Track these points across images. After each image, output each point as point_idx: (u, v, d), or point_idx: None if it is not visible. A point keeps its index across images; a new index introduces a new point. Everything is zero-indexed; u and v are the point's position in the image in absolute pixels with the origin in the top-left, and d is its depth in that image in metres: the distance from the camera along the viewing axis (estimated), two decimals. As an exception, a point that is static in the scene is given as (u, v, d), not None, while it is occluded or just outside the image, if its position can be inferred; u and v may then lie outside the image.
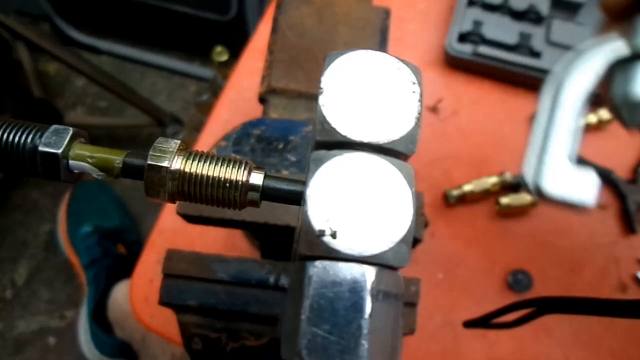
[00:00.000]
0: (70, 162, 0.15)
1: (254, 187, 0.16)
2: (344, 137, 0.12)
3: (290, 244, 0.41)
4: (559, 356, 0.55)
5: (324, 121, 0.12)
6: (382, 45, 0.48)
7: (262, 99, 0.47)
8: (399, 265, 0.11)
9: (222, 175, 0.16)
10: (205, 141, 0.65)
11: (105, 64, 1.62)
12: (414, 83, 0.13)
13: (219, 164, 0.16)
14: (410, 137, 0.12)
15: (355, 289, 0.11)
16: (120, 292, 1.05)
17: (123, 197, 1.39)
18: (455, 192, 0.60)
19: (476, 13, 0.68)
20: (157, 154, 0.15)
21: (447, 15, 0.72)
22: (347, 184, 0.11)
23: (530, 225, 0.61)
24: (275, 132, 0.40)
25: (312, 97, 0.46)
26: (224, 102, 0.67)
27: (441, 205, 0.62)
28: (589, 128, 0.64)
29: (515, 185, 0.61)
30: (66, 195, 1.28)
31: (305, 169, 0.39)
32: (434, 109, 0.67)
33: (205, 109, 1.23)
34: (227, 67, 1.28)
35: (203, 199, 0.16)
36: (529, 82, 0.66)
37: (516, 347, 0.55)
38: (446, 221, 0.61)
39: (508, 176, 0.61)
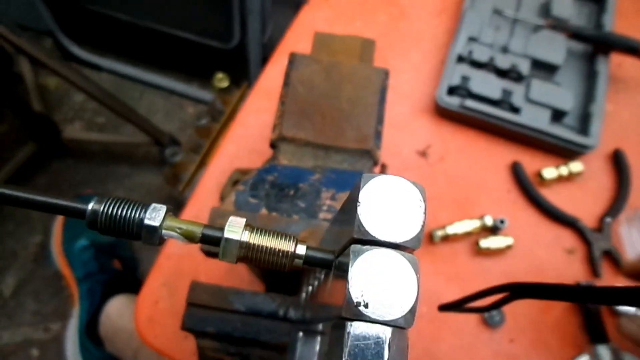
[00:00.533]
0: (163, 231, 0.21)
1: (298, 256, 0.22)
2: (373, 237, 0.18)
3: (293, 280, 0.46)
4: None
5: (360, 225, 0.18)
6: (381, 102, 0.54)
7: (273, 145, 0.52)
8: (407, 327, 0.17)
9: (276, 246, 0.21)
10: (212, 174, 0.70)
11: (105, 81, 1.67)
12: (420, 200, 0.19)
13: (274, 237, 0.22)
14: (417, 238, 0.18)
15: (378, 342, 0.16)
16: (112, 308, 1.08)
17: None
18: (439, 233, 0.66)
19: (464, 69, 0.75)
20: (232, 230, 0.21)
21: (438, 69, 0.80)
22: (375, 269, 0.17)
23: (506, 265, 0.67)
24: (287, 179, 0.46)
25: (317, 146, 0.52)
26: (232, 138, 0.72)
27: (427, 243, 0.68)
28: (560, 179, 0.71)
29: (494, 228, 0.68)
30: (62, 208, 1.30)
31: (311, 214, 0.45)
32: (423, 154, 0.74)
33: (204, 132, 1.28)
34: (227, 94, 1.34)
35: (260, 262, 0.21)
36: (509, 134, 0.74)
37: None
38: (431, 258, 0.67)
39: (488, 219, 0.67)
